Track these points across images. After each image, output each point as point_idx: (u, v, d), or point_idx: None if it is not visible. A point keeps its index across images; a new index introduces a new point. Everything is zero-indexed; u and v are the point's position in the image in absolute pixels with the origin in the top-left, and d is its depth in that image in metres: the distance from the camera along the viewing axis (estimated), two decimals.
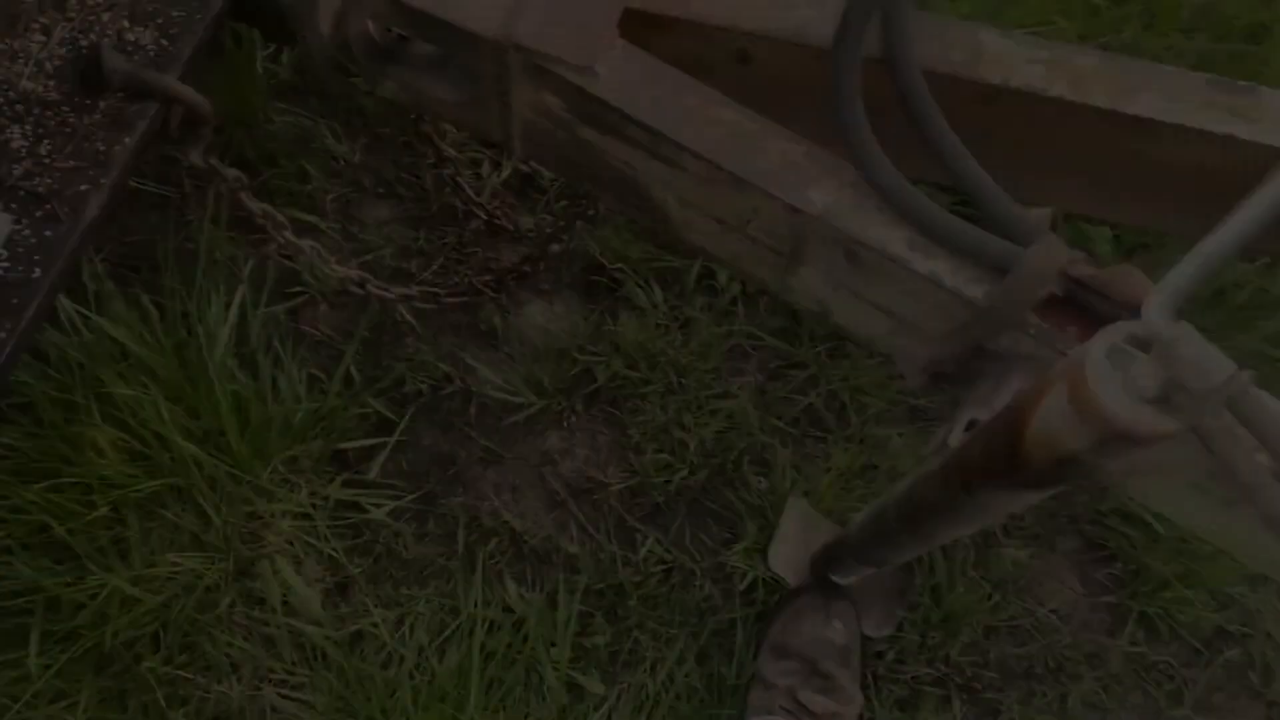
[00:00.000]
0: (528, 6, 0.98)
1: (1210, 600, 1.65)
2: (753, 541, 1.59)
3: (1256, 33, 1.90)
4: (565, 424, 1.67)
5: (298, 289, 1.65)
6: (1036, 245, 0.86)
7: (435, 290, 1.59)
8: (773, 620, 1.53)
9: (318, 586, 1.51)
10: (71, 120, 1.00)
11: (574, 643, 1.52)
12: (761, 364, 1.72)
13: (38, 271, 0.93)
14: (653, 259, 1.72)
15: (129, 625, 1.41)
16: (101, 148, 0.98)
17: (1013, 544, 1.65)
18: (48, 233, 0.95)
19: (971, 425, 0.88)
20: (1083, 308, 0.85)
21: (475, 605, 1.52)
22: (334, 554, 1.52)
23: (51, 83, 1.01)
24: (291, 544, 1.51)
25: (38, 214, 0.95)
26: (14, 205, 0.95)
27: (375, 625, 1.49)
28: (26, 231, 0.95)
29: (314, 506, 1.53)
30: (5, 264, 0.93)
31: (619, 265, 1.71)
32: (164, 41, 1.03)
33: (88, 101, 1.00)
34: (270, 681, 1.46)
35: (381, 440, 1.60)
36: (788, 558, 1.54)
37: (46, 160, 0.98)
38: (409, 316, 1.65)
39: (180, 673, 1.43)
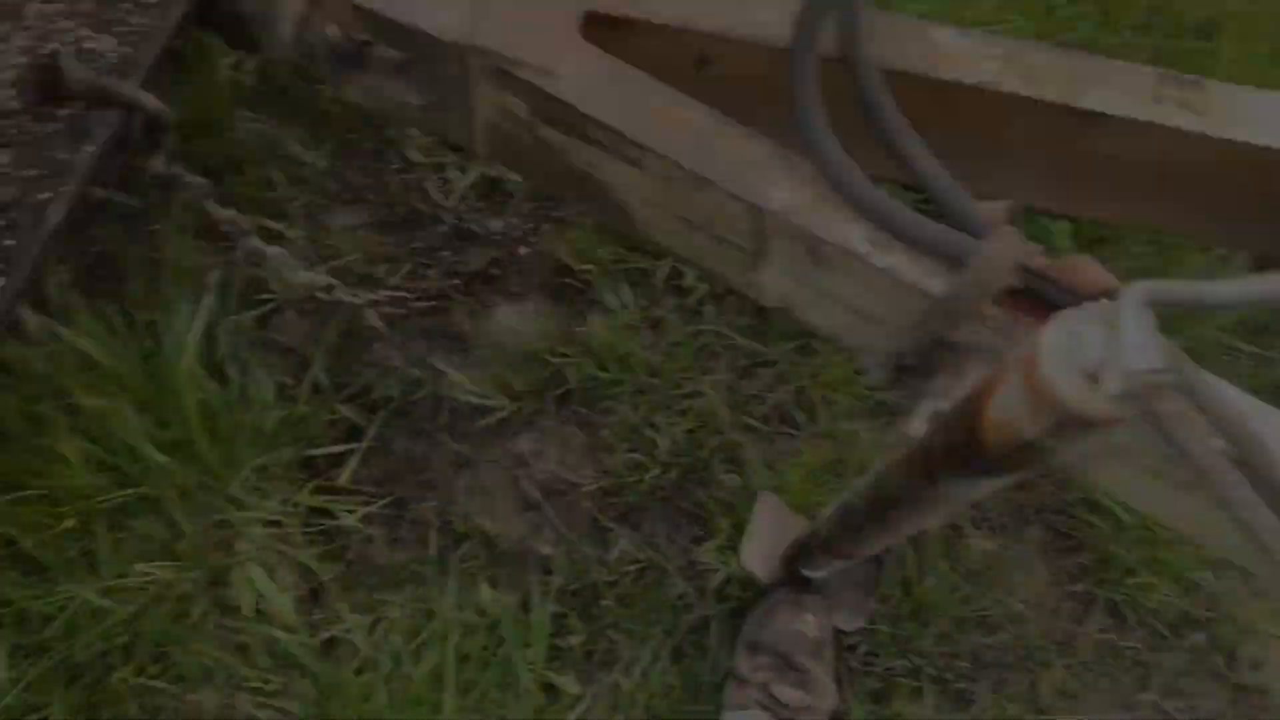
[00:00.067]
0: (489, 10, 0.98)
1: (1175, 586, 1.67)
2: (725, 539, 1.60)
3: (1207, 29, 1.94)
4: (537, 426, 1.68)
5: (265, 296, 1.65)
6: (993, 238, 0.87)
7: (403, 295, 1.59)
8: (746, 616, 1.54)
9: (290, 593, 1.51)
10: (32, 129, 0.99)
11: (549, 644, 1.52)
12: (731, 362, 1.74)
13: (0, 281, 0.93)
14: (621, 260, 1.73)
15: (99, 637, 1.40)
16: (63, 156, 0.97)
17: (981, 536, 1.67)
18: (9, 241, 0.95)
19: (933, 416, 0.90)
20: (1040, 298, 0.86)
21: (449, 609, 1.52)
22: (306, 561, 1.52)
23: (11, 92, 1.01)
24: (263, 552, 1.51)
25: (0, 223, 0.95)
26: None
27: (349, 631, 1.49)
28: None
29: (285, 514, 1.53)
30: None
31: (588, 266, 1.72)
32: (124, 49, 1.03)
33: (48, 110, 0.99)
34: (245, 690, 1.45)
35: (352, 446, 1.60)
36: (759, 554, 1.55)
37: (7, 169, 0.97)
38: (377, 322, 1.65)
39: (153, 683, 1.42)
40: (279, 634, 1.46)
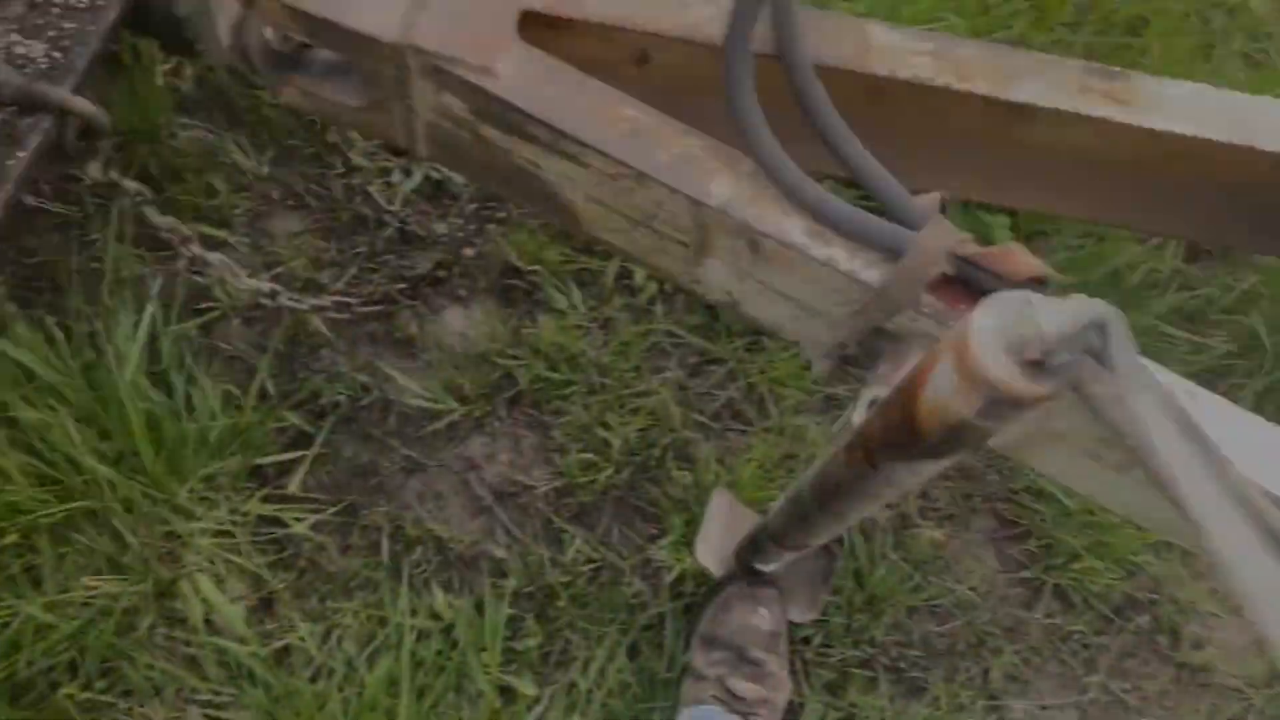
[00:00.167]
0: (425, 9, 0.98)
1: (1119, 570, 1.71)
2: (679, 535, 1.61)
3: (1137, 25, 1.99)
4: (488, 429, 1.67)
5: (209, 305, 1.63)
6: (926, 228, 0.89)
7: (348, 300, 1.58)
8: (701, 611, 1.55)
9: (241, 604, 1.49)
10: None
11: (504, 646, 1.52)
12: (681, 360, 1.75)
13: None
14: (569, 261, 1.74)
15: (44, 653, 1.38)
16: None
17: (929, 525, 1.70)
18: None
19: (873, 404, 0.91)
20: (972, 285, 0.88)
21: (403, 615, 1.51)
22: (257, 570, 1.51)
23: None
24: (212, 562, 1.49)
25: None
26: None
27: (302, 639, 1.48)
28: None
29: (234, 523, 1.51)
30: None
31: (535, 268, 1.72)
32: (56, 54, 1.02)
33: None
34: (196, 702, 1.44)
35: (300, 454, 1.59)
36: (713, 549, 1.56)
37: None
38: (323, 327, 1.64)
39: (101, 698, 1.40)
40: (230, 644, 1.45)
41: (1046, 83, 1.04)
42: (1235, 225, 1.19)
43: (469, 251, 1.64)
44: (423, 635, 1.51)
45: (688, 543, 1.60)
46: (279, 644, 1.48)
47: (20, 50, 1.02)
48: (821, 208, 0.92)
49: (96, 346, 1.51)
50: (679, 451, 1.68)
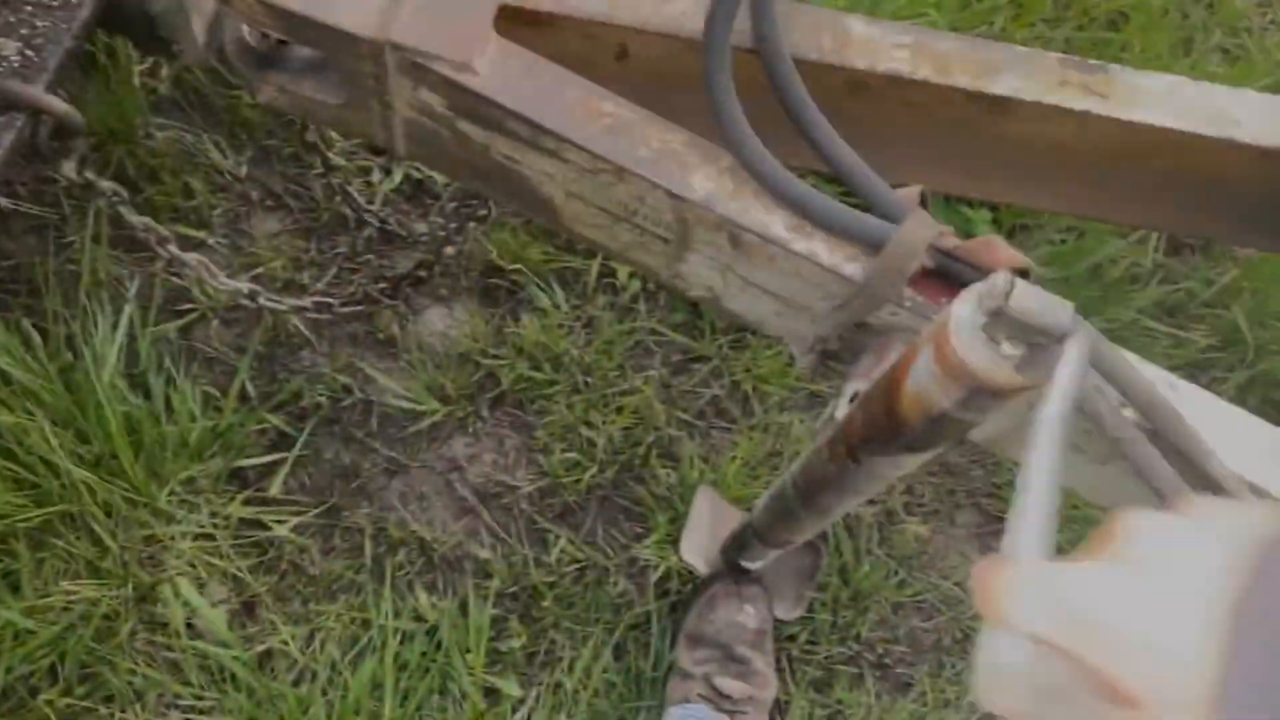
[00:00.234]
0: (403, 5, 0.98)
1: None
2: (664, 534, 1.61)
3: (1116, 20, 1.99)
4: (471, 429, 1.67)
5: (187, 306, 1.62)
6: (907, 221, 0.89)
7: (329, 300, 1.57)
8: (687, 610, 1.55)
9: (223, 607, 1.48)
10: None
11: (489, 647, 1.51)
12: (665, 359, 1.75)
13: None
14: (552, 260, 1.73)
15: (23, 659, 1.36)
16: None
17: (914, 521, 1.70)
18: None
19: (855, 398, 0.91)
20: (953, 278, 0.88)
21: (387, 617, 1.50)
22: (238, 573, 1.49)
23: None
24: (193, 565, 1.48)
25: None
26: None
27: (285, 643, 1.47)
28: None
29: (215, 526, 1.50)
30: None
31: (517, 267, 1.71)
32: (28, 52, 1.00)
33: None
34: (178, 707, 1.42)
35: (282, 456, 1.58)
36: (698, 547, 1.56)
37: None
38: (303, 328, 1.63)
39: (81, 704, 1.38)
40: (211, 648, 1.44)
41: (1026, 76, 1.04)
42: (1215, 218, 1.20)
43: (450, 250, 1.63)
44: (406, 637, 1.50)
45: (673, 541, 1.59)
46: (261, 647, 1.46)
47: None
48: (802, 202, 0.92)
49: (74, 349, 1.50)
50: (663, 450, 1.68)
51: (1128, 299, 1.83)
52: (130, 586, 1.44)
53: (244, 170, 1.71)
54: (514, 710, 1.49)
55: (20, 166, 1.55)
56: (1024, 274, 0.86)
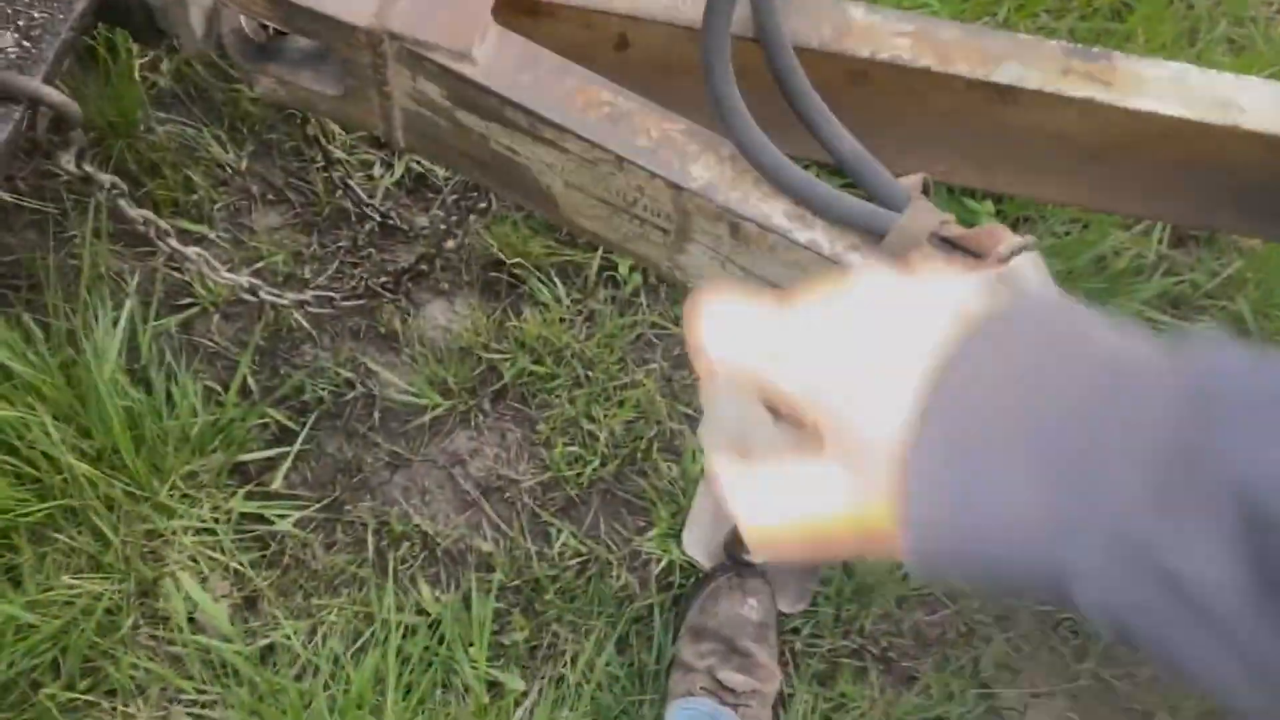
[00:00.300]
0: None
1: None
2: (666, 527, 1.60)
3: (1120, 10, 1.98)
4: (473, 423, 1.66)
5: (188, 300, 1.62)
6: (909, 210, 0.88)
7: (330, 295, 1.56)
8: (689, 603, 1.55)
9: (225, 602, 1.48)
10: None
11: (492, 641, 1.51)
12: (666, 352, 1.74)
13: None
14: (553, 253, 1.73)
15: (25, 653, 1.36)
16: None
17: None
18: None
19: None
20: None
21: (389, 611, 1.50)
22: (240, 568, 1.49)
23: None
24: (195, 560, 1.48)
25: None
26: None
27: (287, 637, 1.46)
28: None
29: (217, 521, 1.50)
30: None
31: (518, 260, 1.71)
32: (25, 43, 1.00)
33: None
34: (180, 702, 1.42)
35: (283, 450, 1.57)
36: (701, 540, 1.54)
37: None
38: (305, 322, 1.63)
39: (84, 698, 1.38)
40: (214, 643, 1.44)
41: (1028, 64, 1.03)
42: (1221, 207, 1.19)
43: (451, 244, 1.63)
44: (409, 631, 1.50)
45: (675, 535, 1.59)
46: (264, 642, 1.46)
47: None
48: (803, 190, 0.91)
49: (75, 343, 1.50)
50: (665, 443, 1.67)
51: (1132, 291, 1.82)
52: (132, 581, 1.44)
53: (245, 164, 1.71)
54: (517, 704, 1.49)
55: (20, 161, 1.55)
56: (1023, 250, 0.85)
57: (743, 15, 0.98)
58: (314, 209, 1.71)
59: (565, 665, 1.52)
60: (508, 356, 1.67)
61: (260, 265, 1.65)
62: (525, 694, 1.50)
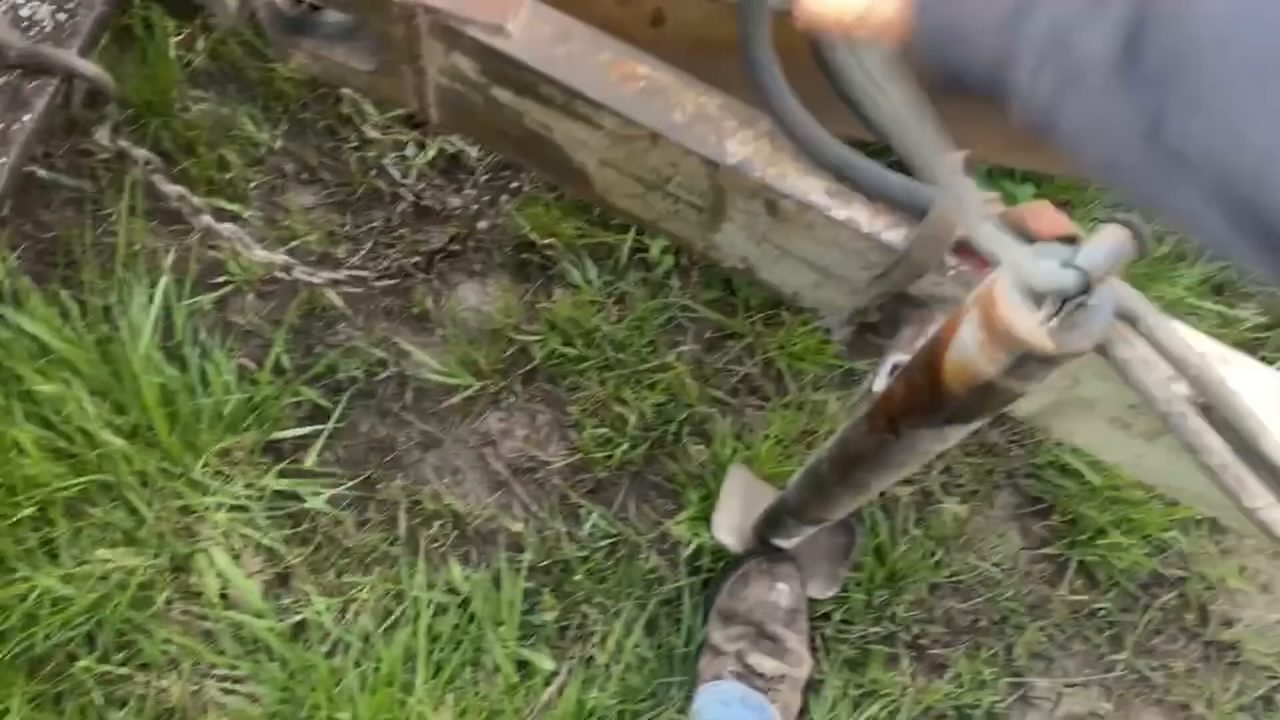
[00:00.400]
0: None
1: (1145, 546, 1.68)
2: (696, 511, 1.60)
3: None
4: (503, 404, 1.66)
5: (223, 279, 1.62)
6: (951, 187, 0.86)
7: (364, 274, 1.57)
8: (719, 587, 1.54)
9: (257, 578, 1.49)
10: None
11: (521, 620, 1.51)
12: (698, 335, 1.73)
13: None
14: (584, 235, 1.72)
15: (61, 626, 1.38)
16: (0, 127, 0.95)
17: (952, 501, 1.67)
18: None
19: (895, 370, 0.89)
20: None
21: (420, 589, 1.50)
22: (272, 544, 1.50)
23: None
24: (228, 536, 1.49)
25: None
26: None
27: (318, 614, 1.47)
28: None
29: (250, 498, 1.51)
30: None
31: (550, 241, 1.70)
32: (61, 16, 1.00)
33: None
34: (212, 676, 1.43)
35: (317, 429, 1.58)
36: (731, 524, 1.54)
37: None
38: (338, 302, 1.63)
39: (118, 670, 1.40)
40: (246, 619, 1.45)
41: None
42: None
43: (483, 224, 1.62)
44: (439, 609, 1.50)
45: (705, 519, 1.58)
46: (295, 618, 1.47)
47: (26, 13, 1.00)
48: (842, 166, 0.89)
49: (110, 320, 1.51)
50: (695, 427, 1.66)
51: (1174, 277, 1.78)
52: (166, 556, 1.45)
53: (279, 143, 1.71)
54: (546, 683, 1.49)
55: (58, 139, 1.56)
56: (1071, 240, 0.83)
57: None
58: (347, 188, 1.71)
59: (594, 646, 1.52)
60: (539, 338, 1.66)
61: (295, 244, 1.65)
62: (554, 674, 1.50)
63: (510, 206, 1.67)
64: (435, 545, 1.55)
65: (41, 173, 1.57)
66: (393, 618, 1.49)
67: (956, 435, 0.84)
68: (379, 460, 1.60)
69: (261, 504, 1.51)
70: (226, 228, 1.34)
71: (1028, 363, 0.65)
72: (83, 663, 1.38)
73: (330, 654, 1.46)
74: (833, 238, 0.92)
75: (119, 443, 1.44)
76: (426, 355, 1.64)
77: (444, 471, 1.61)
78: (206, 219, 1.29)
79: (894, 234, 0.90)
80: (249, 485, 1.51)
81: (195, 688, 1.42)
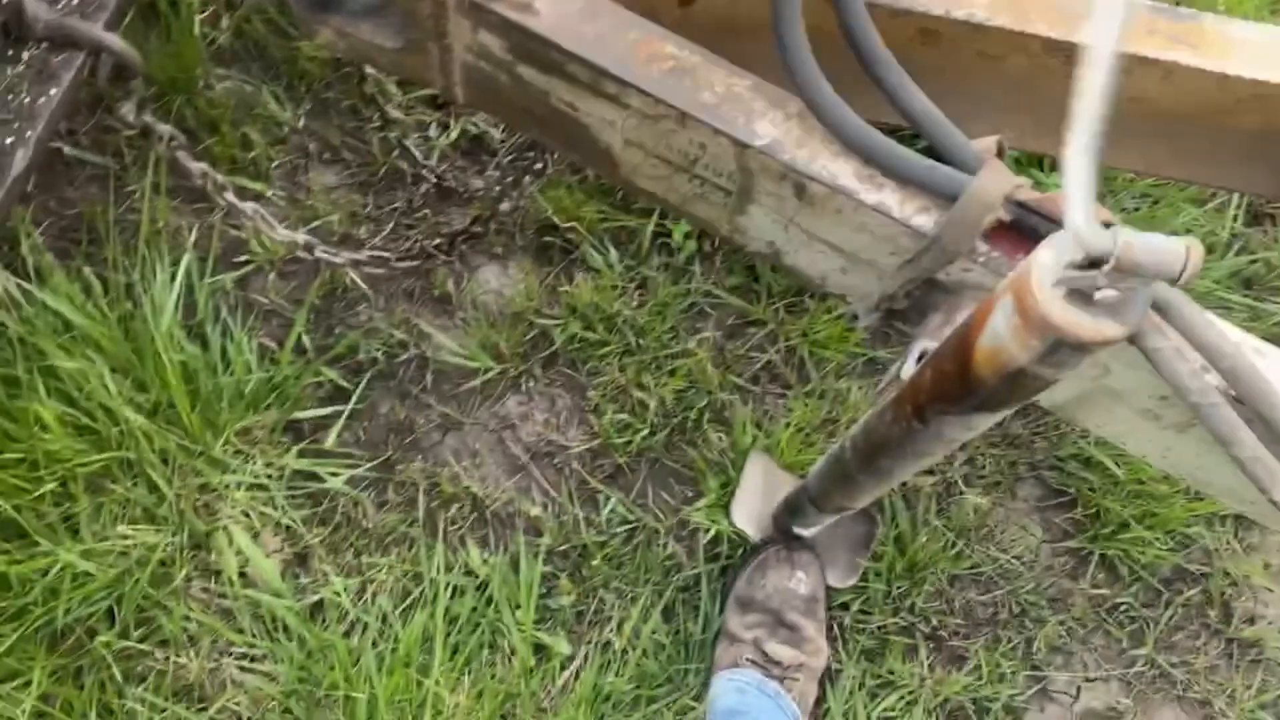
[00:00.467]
0: None
1: (1168, 540, 1.66)
2: (715, 498, 1.59)
3: None
4: (524, 388, 1.65)
5: (245, 258, 1.62)
6: (983, 172, 0.85)
7: (386, 255, 1.56)
8: (737, 574, 1.53)
9: (276, 557, 1.49)
10: None
11: (538, 604, 1.51)
12: (719, 322, 1.72)
13: None
14: (606, 219, 1.71)
15: (81, 601, 1.38)
16: (26, 100, 0.94)
17: (974, 492, 1.66)
18: None
19: (923, 357, 0.88)
20: (1030, 232, 0.84)
21: (438, 570, 1.50)
22: (292, 524, 1.50)
23: None
24: (247, 515, 1.49)
25: None
26: None
27: (337, 594, 1.47)
28: None
29: (269, 477, 1.51)
30: None
31: (572, 225, 1.69)
32: None
33: (10, 53, 0.96)
34: (230, 654, 1.44)
35: (337, 409, 1.58)
36: (750, 512, 1.54)
37: None
38: (360, 282, 1.63)
39: (137, 646, 1.40)
40: (264, 598, 1.45)
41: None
42: None
43: (505, 206, 1.62)
44: (457, 591, 1.50)
45: (724, 506, 1.57)
46: (313, 598, 1.47)
47: None
48: (872, 150, 0.88)
49: (133, 297, 1.51)
50: (716, 414, 1.65)
51: (1204, 270, 1.75)
52: (185, 533, 1.45)
53: (302, 122, 1.71)
54: (563, 667, 1.48)
55: (83, 115, 1.56)
56: (1106, 227, 0.82)
57: None
58: (370, 169, 1.71)
59: (611, 631, 1.52)
60: (559, 322, 1.66)
61: (316, 224, 1.65)
62: (571, 658, 1.49)
63: (533, 189, 1.66)
64: (454, 528, 1.55)
65: (66, 149, 1.57)
66: (410, 599, 1.49)
67: (984, 424, 0.83)
68: (398, 442, 1.59)
69: (281, 483, 1.52)
70: (249, 206, 1.33)
71: (1061, 349, 0.64)
72: (102, 638, 1.39)
73: (348, 634, 1.46)
74: (862, 222, 0.91)
75: (140, 420, 1.44)
76: (447, 338, 1.64)
77: (463, 454, 1.61)
78: (229, 196, 1.29)
79: (924, 219, 0.88)
80: (269, 464, 1.52)
81: (213, 665, 1.43)
